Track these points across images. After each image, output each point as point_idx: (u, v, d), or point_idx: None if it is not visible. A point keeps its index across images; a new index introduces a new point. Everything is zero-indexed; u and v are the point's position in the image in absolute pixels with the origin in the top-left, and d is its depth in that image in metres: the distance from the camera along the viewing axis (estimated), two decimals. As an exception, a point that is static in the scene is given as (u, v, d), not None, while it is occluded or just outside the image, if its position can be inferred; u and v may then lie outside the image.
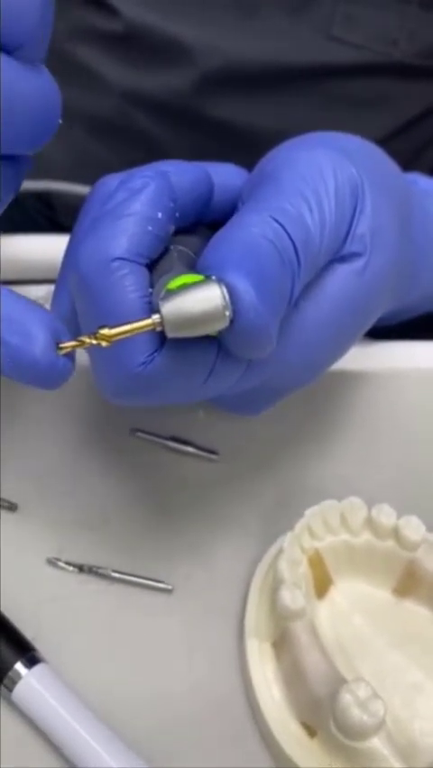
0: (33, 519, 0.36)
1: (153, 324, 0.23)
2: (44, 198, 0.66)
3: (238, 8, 0.53)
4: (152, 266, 0.26)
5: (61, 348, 0.24)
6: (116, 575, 0.34)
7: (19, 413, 0.38)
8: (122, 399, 0.26)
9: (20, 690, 0.30)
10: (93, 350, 0.24)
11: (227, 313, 0.23)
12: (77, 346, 0.24)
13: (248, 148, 0.55)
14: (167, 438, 0.38)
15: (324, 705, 0.29)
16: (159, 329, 0.23)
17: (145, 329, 0.23)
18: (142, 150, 0.59)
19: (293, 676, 0.31)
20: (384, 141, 0.57)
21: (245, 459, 0.38)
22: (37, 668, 0.30)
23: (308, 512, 0.33)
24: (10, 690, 0.30)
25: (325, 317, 0.28)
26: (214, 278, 0.23)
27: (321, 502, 0.33)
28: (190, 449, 0.38)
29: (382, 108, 0.57)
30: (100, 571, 0.34)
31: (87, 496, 0.37)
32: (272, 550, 0.35)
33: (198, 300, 0.22)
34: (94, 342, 0.23)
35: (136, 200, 0.26)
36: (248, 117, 0.57)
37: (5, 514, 0.36)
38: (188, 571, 0.35)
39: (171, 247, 0.27)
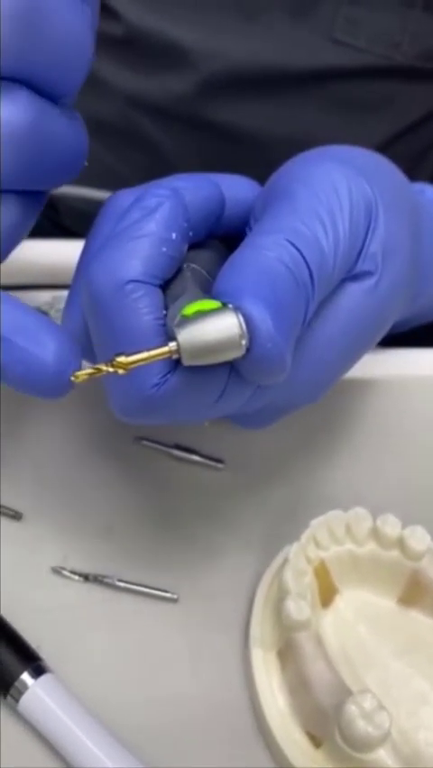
0: (38, 528, 0.36)
1: (170, 351, 0.23)
2: (48, 201, 0.66)
3: (240, 11, 0.53)
4: (165, 286, 0.26)
5: (77, 376, 0.24)
6: (121, 584, 0.34)
7: (23, 421, 0.38)
8: (133, 418, 0.26)
9: (26, 701, 0.30)
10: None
11: (244, 342, 0.23)
12: (93, 374, 0.24)
13: (251, 151, 0.55)
14: (172, 446, 0.38)
15: (329, 715, 0.29)
16: (175, 357, 0.23)
17: (162, 357, 0.23)
18: (146, 154, 0.59)
19: (298, 686, 0.31)
20: (387, 145, 0.58)
21: (251, 468, 0.38)
22: (43, 678, 0.30)
23: (313, 522, 0.33)
24: (16, 700, 0.30)
25: (336, 336, 0.28)
26: (231, 306, 0.23)
27: (327, 512, 0.33)
28: (196, 457, 0.38)
29: (385, 111, 0.57)
30: (105, 579, 0.34)
31: (91, 504, 0.37)
32: (278, 560, 0.35)
33: (214, 329, 0.22)
34: (111, 369, 0.23)
35: (150, 220, 0.26)
36: (250, 121, 0.57)
37: (10, 522, 0.36)
38: (194, 580, 0.35)
39: (184, 266, 0.27)
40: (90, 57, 0.25)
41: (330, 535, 0.33)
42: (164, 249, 0.25)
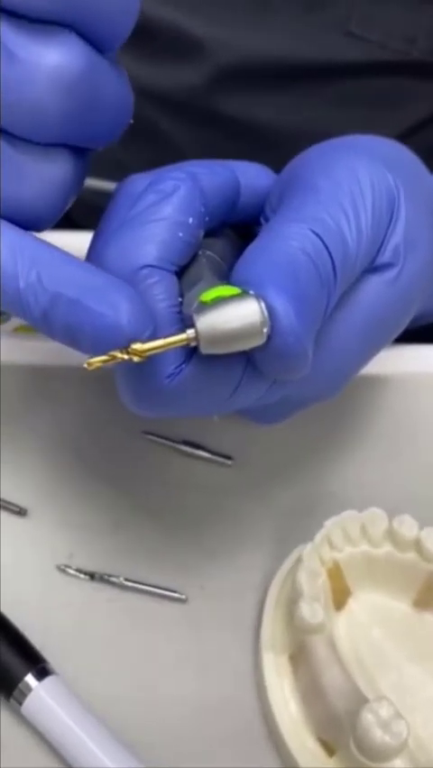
0: (43, 524, 0.35)
1: (188, 339, 0.22)
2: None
3: (254, 3, 0.52)
4: (180, 272, 0.25)
5: (90, 363, 0.22)
6: (128, 583, 0.34)
7: (28, 414, 0.38)
8: (144, 410, 0.25)
9: (30, 703, 0.29)
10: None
11: (265, 330, 0.22)
12: (107, 361, 0.22)
13: (261, 144, 0.54)
14: (180, 442, 0.37)
15: (344, 723, 0.28)
16: (193, 344, 0.22)
17: (179, 344, 0.22)
18: (156, 146, 0.59)
19: (311, 691, 0.30)
20: (399, 140, 0.57)
21: (261, 465, 0.37)
22: (48, 680, 0.29)
23: (328, 522, 0.32)
24: (20, 702, 0.29)
25: (357, 328, 0.27)
26: (252, 292, 0.22)
27: (341, 512, 0.32)
28: (204, 453, 0.37)
29: (397, 107, 0.56)
30: (112, 578, 0.34)
31: (97, 501, 0.36)
32: (289, 560, 0.34)
33: (235, 315, 0.22)
34: (126, 357, 0.22)
35: (167, 204, 0.25)
36: (262, 114, 0.56)
37: (14, 518, 0.35)
38: (203, 580, 0.34)
39: (200, 252, 0.26)
40: (138, 6, 0.24)
41: (345, 536, 0.32)
42: (180, 234, 0.25)
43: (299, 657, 0.31)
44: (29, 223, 0.25)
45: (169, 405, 0.25)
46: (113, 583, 0.34)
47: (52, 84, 0.22)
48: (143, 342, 0.22)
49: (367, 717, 0.27)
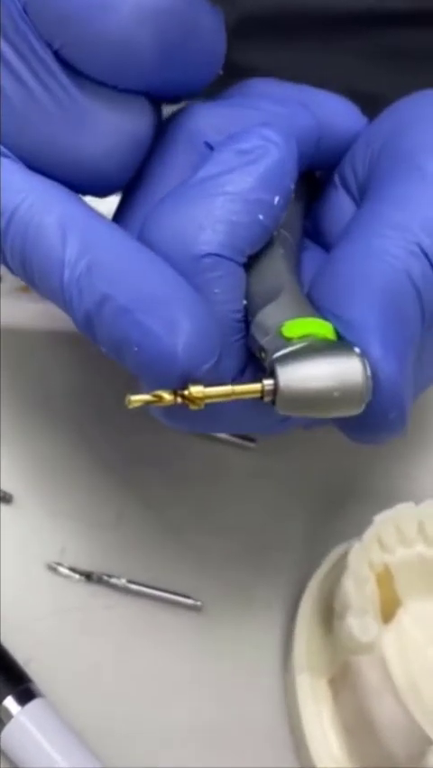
0: (31, 514, 0.33)
1: (262, 391, 0.18)
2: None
3: None
4: (246, 262, 0.21)
5: (130, 401, 0.19)
6: (132, 587, 0.31)
7: (18, 387, 0.35)
8: (178, 424, 0.22)
9: (10, 733, 0.26)
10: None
11: (364, 403, 0.18)
12: (152, 402, 0.19)
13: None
14: None
15: (400, 766, 0.24)
16: (267, 399, 0.18)
17: (250, 396, 0.18)
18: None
19: (358, 724, 0.26)
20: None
21: (289, 448, 0.34)
22: (32, 704, 0.27)
23: (378, 518, 0.28)
24: (-3, 732, 0.26)
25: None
26: (357, 350, 0.18)
27: (392, 506, 0.28)
28: (222, 435, 0.34)
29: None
30: (112, 580, 0.31)
31: (97, 487, 0.33)
32: (328, 561, 0.30)
33: (330, 374, 0.18)
34: (179, 400, 0.19)
35: (249, 174, 0.21)
36: (289, 69, 0.52)
37: None
38: (221, 584, 0.32)
39: (274, 234, 0.22)
40: None
41: (398, 534, 0.28)
42: (261, 216, 0.21)
43: (342, 681, 0.27)
44: (93, 185, 0.22)
45: (208, 423, 0.22)
46: (113, 586, 0.31)
47: (140, 13, 0.20)
48: (204, 381, 0.19)
49: (434, 764, 0.22)
